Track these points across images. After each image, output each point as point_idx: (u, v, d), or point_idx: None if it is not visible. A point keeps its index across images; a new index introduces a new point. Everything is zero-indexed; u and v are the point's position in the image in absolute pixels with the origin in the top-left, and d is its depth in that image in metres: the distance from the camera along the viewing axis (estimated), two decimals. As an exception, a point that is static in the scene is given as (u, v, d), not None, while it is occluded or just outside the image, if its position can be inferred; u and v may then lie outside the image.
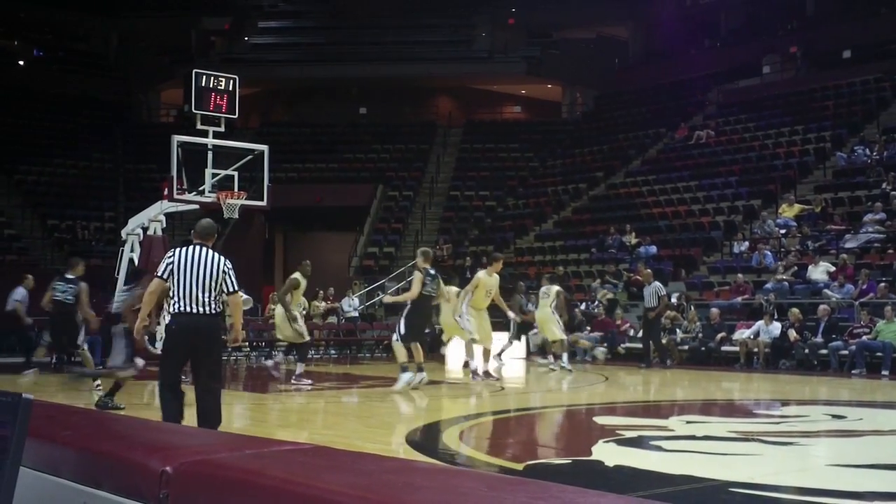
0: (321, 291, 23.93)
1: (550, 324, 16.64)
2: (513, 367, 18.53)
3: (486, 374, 14.42)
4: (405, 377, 12.40)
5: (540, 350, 18.56)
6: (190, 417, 7.32)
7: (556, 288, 16.87)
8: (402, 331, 12.53)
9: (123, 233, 19.53)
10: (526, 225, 29.53)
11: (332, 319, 23.55)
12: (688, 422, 9.84)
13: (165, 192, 18.02)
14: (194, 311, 7.01)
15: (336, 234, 34.53)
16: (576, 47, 39.19)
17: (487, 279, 14.37)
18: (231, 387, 15.32)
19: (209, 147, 18.03)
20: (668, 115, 32.65)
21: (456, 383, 14.97)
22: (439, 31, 38.23)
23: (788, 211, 22.68)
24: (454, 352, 17.02)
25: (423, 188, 33.89)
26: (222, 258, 7.21)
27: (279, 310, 14.34)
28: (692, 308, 19.83)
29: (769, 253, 21.02)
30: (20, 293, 17.24)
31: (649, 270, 19.29)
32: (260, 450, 2.77)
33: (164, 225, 19.16)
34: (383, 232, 31.94)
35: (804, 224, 22.00)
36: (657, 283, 18.24)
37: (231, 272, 7.16)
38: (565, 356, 16.67)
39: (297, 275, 14.02)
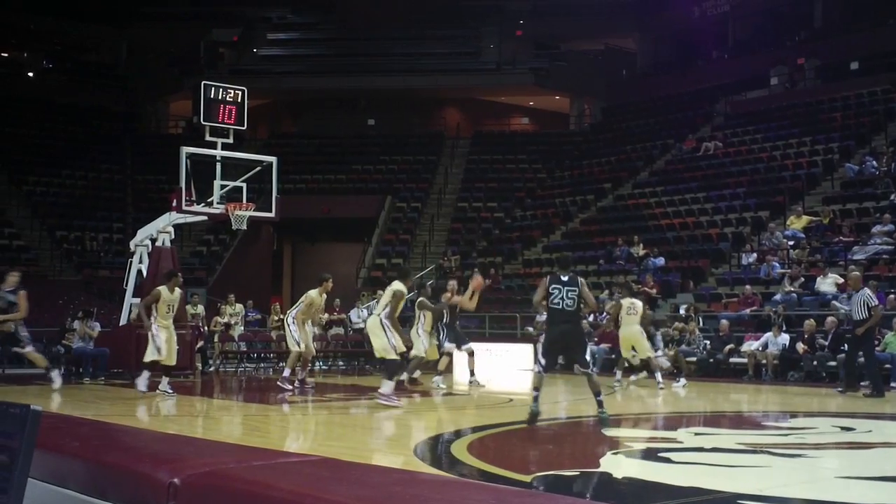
0: None
1: (642, 340, 15.48)
2: (521, 377, 18.46)
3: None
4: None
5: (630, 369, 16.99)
6: (196, 427, 7.32)
7: (639, 303, 15.75)
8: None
9: (132, 244, 19.59)
10: (534, 236, 29.51)
11: (340, 331, 23.50)
12: (696, 434, 9.81)
13: (174, 204, 18.07)
14: None
15: (344, 245, 34.57)
16: (584, 59, 39.27)
17: (317, 298, 14.57)
18: (238, 398, 15.33)
19: (218, 158, 18.09)
20: (676, 127, 32.66)
21: (462, 395, 14.93)
22: (447, 43, 38.34)
23: (796, 222, 22.63)
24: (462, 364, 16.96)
25: (431, 199, 33.94)
26: None
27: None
28: (700, 320, 19.71)
29: (777, 264, 20.97)
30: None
31: (857, 274, 15.94)
32: (268, 462, 2.76)
33: (173, 236, 19.21)
34: (391, 243, 31.98)
35: (812, 236, 21.95)
36: (867, 291, 14.99)
37: None
38: (659, 374, 15.51)
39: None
